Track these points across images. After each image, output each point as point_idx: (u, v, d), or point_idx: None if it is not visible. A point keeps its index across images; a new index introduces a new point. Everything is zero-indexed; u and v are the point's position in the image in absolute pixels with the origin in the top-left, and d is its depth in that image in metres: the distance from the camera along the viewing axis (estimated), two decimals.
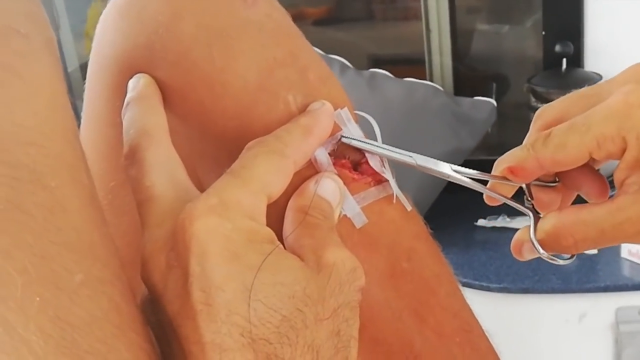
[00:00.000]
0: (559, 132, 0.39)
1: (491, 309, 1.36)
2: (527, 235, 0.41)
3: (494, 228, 1.47)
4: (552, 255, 0.40)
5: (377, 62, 1.71)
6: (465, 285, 1.33)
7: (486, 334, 0.44)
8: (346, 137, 0.41)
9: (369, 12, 1.82)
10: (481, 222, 1.49)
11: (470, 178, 0.42)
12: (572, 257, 0.41)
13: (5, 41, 0.32)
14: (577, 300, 1.32)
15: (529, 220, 0.41)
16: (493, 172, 0.41)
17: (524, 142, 0.41)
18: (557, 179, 0.43)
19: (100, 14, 0.44)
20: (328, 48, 1.60)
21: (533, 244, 0.40)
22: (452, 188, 1.44)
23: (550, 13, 1.47)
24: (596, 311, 1.32)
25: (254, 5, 0.41)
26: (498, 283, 1.32)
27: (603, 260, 1.34)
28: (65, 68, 1.67)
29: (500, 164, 0.41)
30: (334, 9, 1.84)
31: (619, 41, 1.45)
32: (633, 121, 0.37)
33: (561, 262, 0.40)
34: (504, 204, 0.43)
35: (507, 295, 1.32)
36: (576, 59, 1.44)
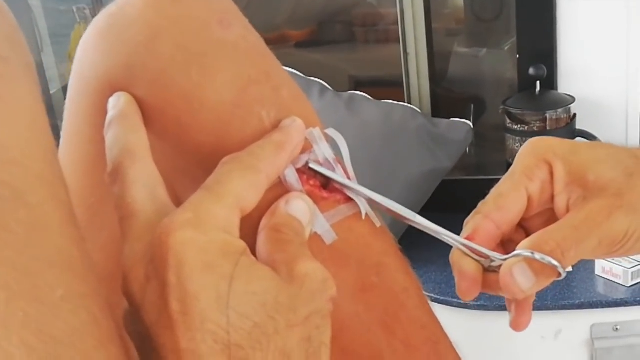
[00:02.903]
0: (492, 189, 0.43)
1: (469, 326, 1.37)
2: (512, 262, 0.41)
3: None
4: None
5: (358, 84, 1.73)
6: (443, 302, 1.34)
7: (454, 346, 0.46)
8: (314, 164, 0.42)
9: (351, 34, 1.85)
10: None
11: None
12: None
13: None
14: (553, 317, 1.33)
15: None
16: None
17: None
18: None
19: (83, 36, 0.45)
20: (310, 70, 1.62)
21: (524, 255, 0.40)
22: (431, 207, 1.46)
23: (525, 37, 1.49)
24: (571, 328, 1.34)
25: (230, 27, 0.42)
26: (475, 300, 1.31)
27: (578, 278, 1.36)
28: (47, 90, 1.67)
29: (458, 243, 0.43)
30: (316, 31, 1.86)
31: (591, 64, 1.48)
32: (544, 146, 0.42)
33: (560, 269, 0.40)
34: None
35: (484, 312, 1.33)
36: (550, 82, 1.47)
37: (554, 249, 0.40)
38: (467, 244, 0.43)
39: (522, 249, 0.41)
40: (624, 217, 0.40)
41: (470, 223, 0.43)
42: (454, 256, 0.43)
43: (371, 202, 0.43)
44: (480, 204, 0.43)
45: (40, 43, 1.71)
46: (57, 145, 0.46)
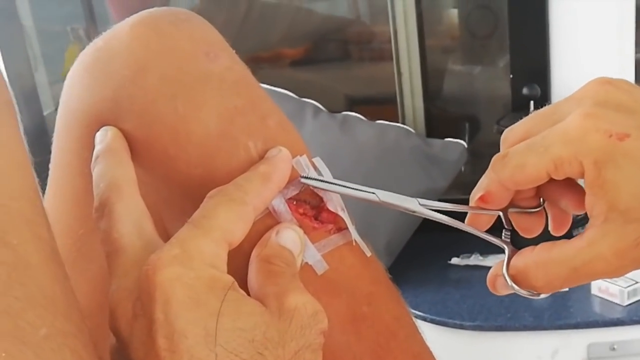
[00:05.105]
0: (516, 152, 0.39)
1: (465, 347, 1.36)
2: (501, 270, 0.41)
3: (467, 266, 1.49)
4: (526, 290, 0.40)
5: (352, 103, 1.73)
6: (438, 323, 1.33)
7: None
8: (306, 178, 0.42)
9: (345, 52, 1.85)
10: (455, 260, 1.50)
11: (443, 213, 0.42)
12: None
13: None
14: (549, 337, 1.33)
15: (504, 256, 0.41)
16: (470, 205, 0.42)
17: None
18: (538, 205, 0.42)
19: (77, 57, 0.45)
20: (304, 89, 1.62)
21: (505, 279, 0.40)
22: (426, 227, 1.46)
23: (518, 56, 1.50)
24: (568, 348, 1.33)
25: (216, 59, 0.42)
26: (471, 321, 1.33)
27: (574, 297, 1.36)
28: (40, 111, 1.67)
29: (474, 196, 0.41)
30: (310, 49, 1.86)
31: (584, 83, 1.48)
32: (589, 146, 0.36)
33: (535, 297, 0.40)
34: (479, 241, 0.43)
35: (480, 332, 1.33)
36: (543, 101, 1.47)
37: (542, 287, 0.39)
38: (473, 232, 0.42)
39: (508, 275, 0.40)
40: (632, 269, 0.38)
41: (485, 181, 0.40)
42: (495, 285, 0.42)
43: (372, 202, 0.43)
44: (497, 162, 0.39)
45: (33, 63, 1.72)
46: (48, 161, 0.46)
